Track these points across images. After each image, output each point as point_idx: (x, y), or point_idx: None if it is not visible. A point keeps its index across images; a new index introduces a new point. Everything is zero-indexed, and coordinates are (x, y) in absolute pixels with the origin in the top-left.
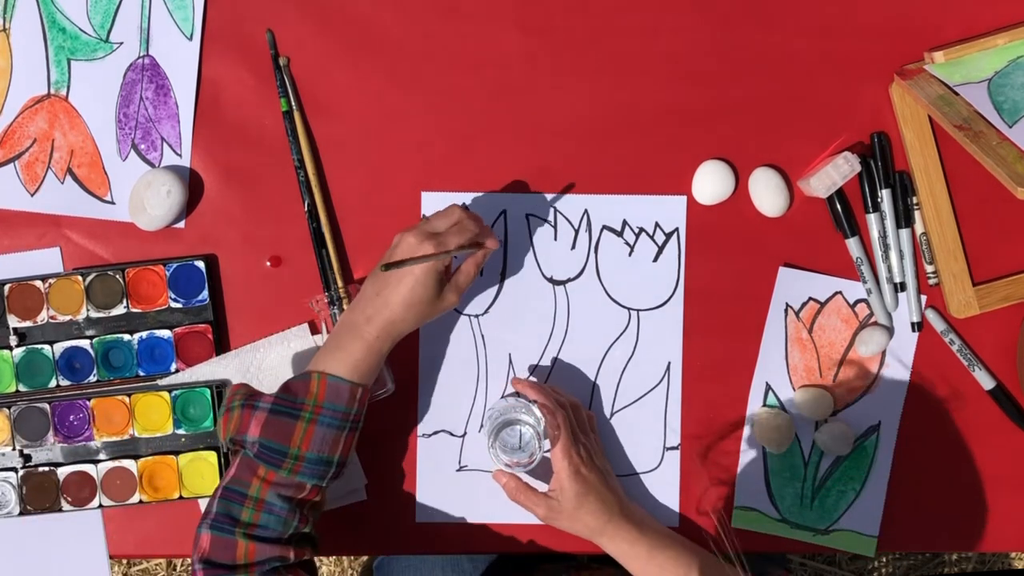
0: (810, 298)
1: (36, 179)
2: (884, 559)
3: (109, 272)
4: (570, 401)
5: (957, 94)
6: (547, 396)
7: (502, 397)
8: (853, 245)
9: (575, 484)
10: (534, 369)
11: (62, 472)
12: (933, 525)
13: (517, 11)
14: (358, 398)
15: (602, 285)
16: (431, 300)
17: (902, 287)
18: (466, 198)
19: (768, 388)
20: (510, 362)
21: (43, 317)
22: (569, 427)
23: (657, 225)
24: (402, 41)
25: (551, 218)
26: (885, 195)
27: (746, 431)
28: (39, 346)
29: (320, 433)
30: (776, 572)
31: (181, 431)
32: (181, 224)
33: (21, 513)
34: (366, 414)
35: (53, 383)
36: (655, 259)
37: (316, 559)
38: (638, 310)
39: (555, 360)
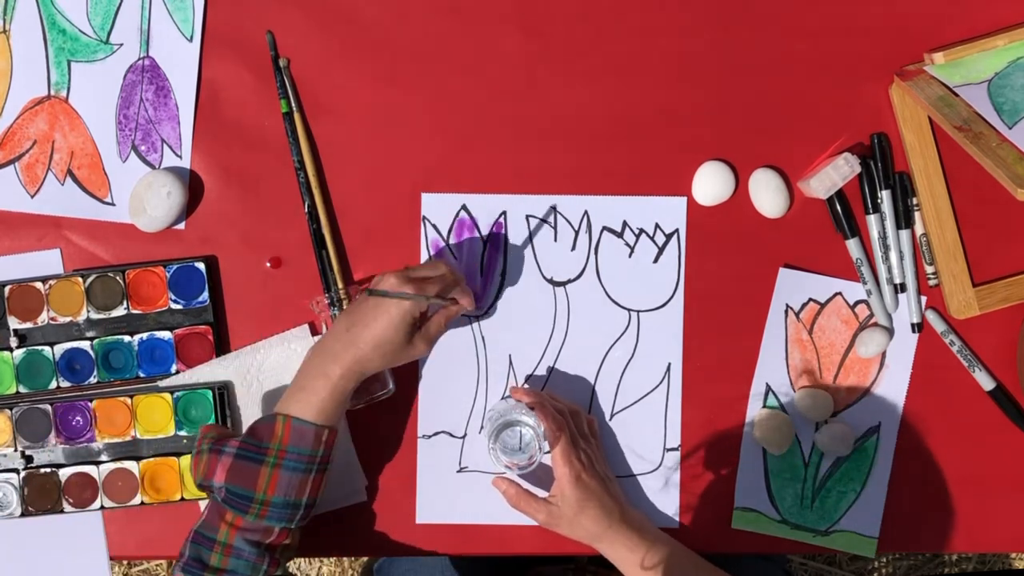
0: (810, 299)
1: (36, 180)
2: (884, 559)
3: (109, 273)
4: (569, 407)
5: (957, 95)
6: (546, 404)
7: (502, 398)
8: (853, 246)
9: (576, 490)
10: (530, 377)
11: (64, 473)
12: (933, 525)
13: (517, 12)
14: (324, 440)
15: (602, 286)
16: (400, 344)
17: (902, 288)
18: (466, 198)
19: (768, 389)
20: (510, 363)
21: (43, 318)
22: (569, 433)
23: (657, 226)
24: (402, 42)
25: (551, 219)
26: (885, 196)
27: (746, 432)
28: (39, 347)
29: (285, 477)
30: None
31: (183, 432)
32: (181, 225)
33: (23, 514)
34: (367, 415)
35: (53, 384)
36: (655, 260)
37: (316, 559)
38: (638, 311)
39: (555, 361)
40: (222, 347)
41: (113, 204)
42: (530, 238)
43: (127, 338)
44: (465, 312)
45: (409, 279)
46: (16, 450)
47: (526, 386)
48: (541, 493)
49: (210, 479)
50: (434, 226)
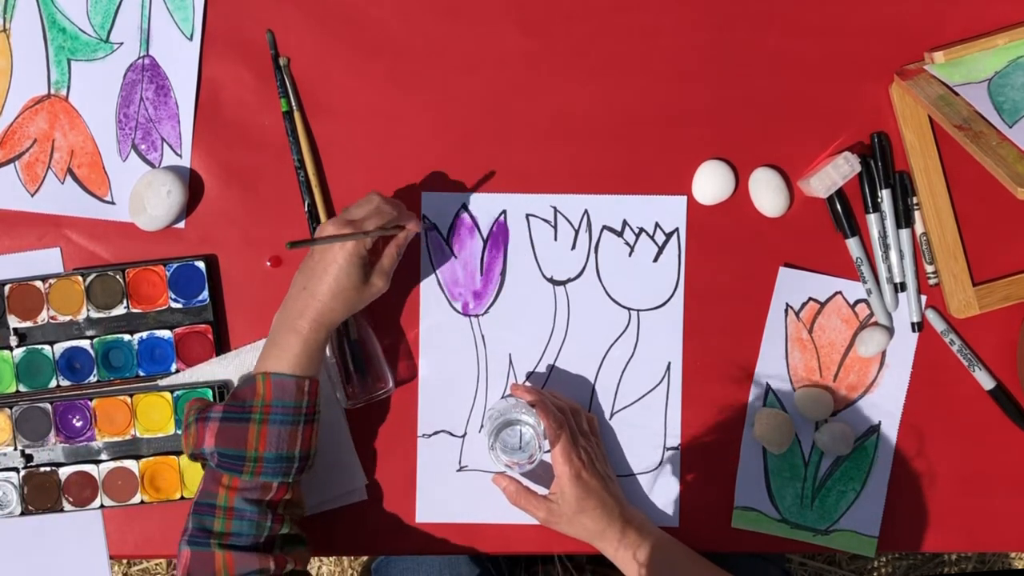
0: (810, 298)
1: (36, 179)
2: (884, 559)
3: (109, 272)
4: (570, 405)
5: (957, 94)
6: (546, 401)
7: (502, 397)
8: (853, 245)
9: (576, 489)
10: (531, 374)
11: (63, 472)
12: (933, 525)
13: (517, 11)
14: (306, 390)
15: (602, 285)
16: (357, 286)
17: (902, 287)
18: (466, 198)
19: (768, 388)
20: (510, 362)
21: (43, 317)
22: (570, 430)
23: (657, 225)
24: (402, 41)
25: (551, 218)
26: (885, 195)
27: (746, 431)
28: (39, 346)
29: (275, 431)
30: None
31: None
32: (181, 224)
33: (23, 513)
34: (367, 415)
35: (53, 383)
36: (655, 259)
37: (316, 559)
38: (638, 310)
39: (555, 360)
40: (222, 346)
41: (113, 203)
42: (530, 237)
43: (127, 337)
44: (458, 311)
45: (345, 222)
46: (16, 449)
47: (527, 383)
48: (541, 491)
49: (200, 447)
50: (434, 225)
